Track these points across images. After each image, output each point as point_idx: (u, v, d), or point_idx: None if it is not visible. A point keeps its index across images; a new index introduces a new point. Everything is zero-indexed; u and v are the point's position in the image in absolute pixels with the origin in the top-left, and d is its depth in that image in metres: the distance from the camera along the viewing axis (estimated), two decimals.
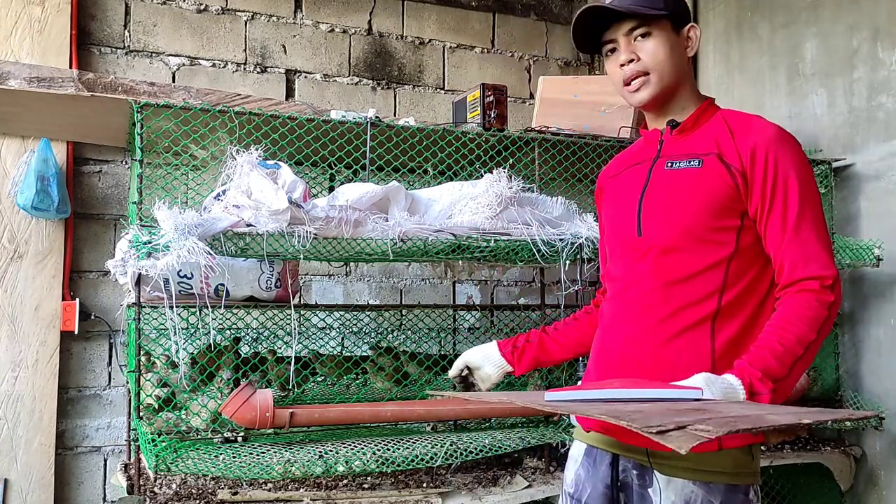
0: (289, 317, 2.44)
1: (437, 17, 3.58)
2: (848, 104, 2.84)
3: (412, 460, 2.05)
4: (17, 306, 2.75)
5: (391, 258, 2.11)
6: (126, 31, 3.04)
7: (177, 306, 1.97)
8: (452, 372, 1.71)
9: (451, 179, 2.71)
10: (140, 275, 1.88)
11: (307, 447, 2.07)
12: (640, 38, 1.44)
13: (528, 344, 1.68)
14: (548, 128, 2.49)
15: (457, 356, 1.75)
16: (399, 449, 2.09)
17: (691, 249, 1.39)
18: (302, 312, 2.60)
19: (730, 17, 3.36)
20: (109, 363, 2.92)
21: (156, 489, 2.14)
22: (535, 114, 2.67)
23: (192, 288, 2.19)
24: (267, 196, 1.92)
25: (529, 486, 2.26)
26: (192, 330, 2.28)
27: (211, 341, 2.22)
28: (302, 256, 2.05)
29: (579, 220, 2.27)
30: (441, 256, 2.19)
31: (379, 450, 2.06)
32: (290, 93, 3.29)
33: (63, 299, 2.80)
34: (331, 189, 2.54)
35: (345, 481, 2.23)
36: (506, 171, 2.20)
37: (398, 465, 2.03)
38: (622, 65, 1.46)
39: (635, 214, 1.47)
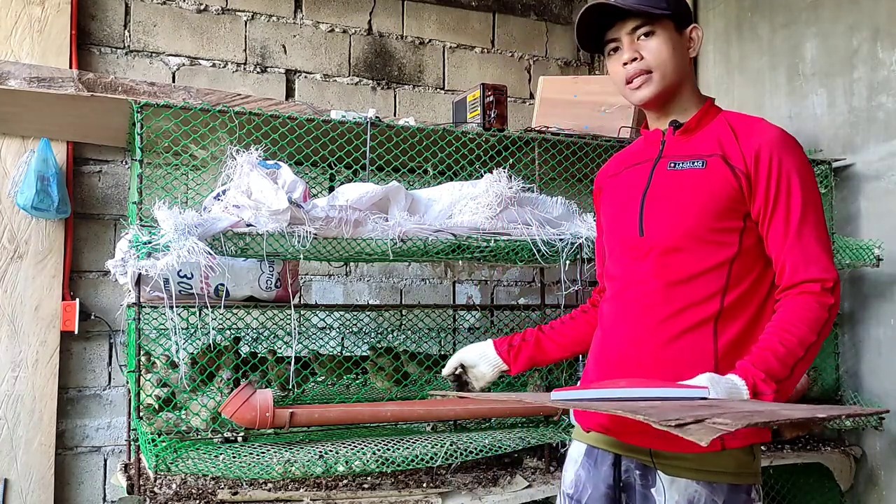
0: (289, 317, 2.44)
1: (437, 17, 3.58)
2: (848, 104, 2.84)
3: (412, 460, 2.05)
4: (17, 306, 2.75)
5: (391, 258, 2.11)
6: (126, 31, 3.04)
7: (177, 306, 1.97)
8: (446, 370, 1.69)
9: (451, 179, 2.71)
10: (140, 275, 1.88)
11: (307, 447, 2.07)
12: (643, 37, 1.44)
13: (525, 343, 1.66)
14: (548, 128, 2.49)
15: None
16: (399, 449, 2.09)
17: (694, 250, 1.39)
18: (302, 312, 2.60)
19: (730, 17, 3.36)
20: (109, 363, 2.92)
21: (156, 489, 2.14)
22: (535, 114, 2.67)
23: (192, 288, 2.19)
24: (267, 196, 1.92)
25: (529, 486, 2.26)
26: (192, 330, 2.28)
27: (211, 341, 2.22)
28: (302, 256, 2.05)
29: (579, 220, 2.27)
30: (441, 256, 2.19)
31: (379, 450, 2.06)
32: (290, 93, 3.29)
33: (63, 299, 2.80)
34: (331, 189, 2.54)
35: (345, 481, 2.23)
36: (506, 171, 2.20)
37: (398, 465, 2.03)
38: (625, 63, 1.46)
39: (637, 214, 1.46)
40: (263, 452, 2.01)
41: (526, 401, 1.28)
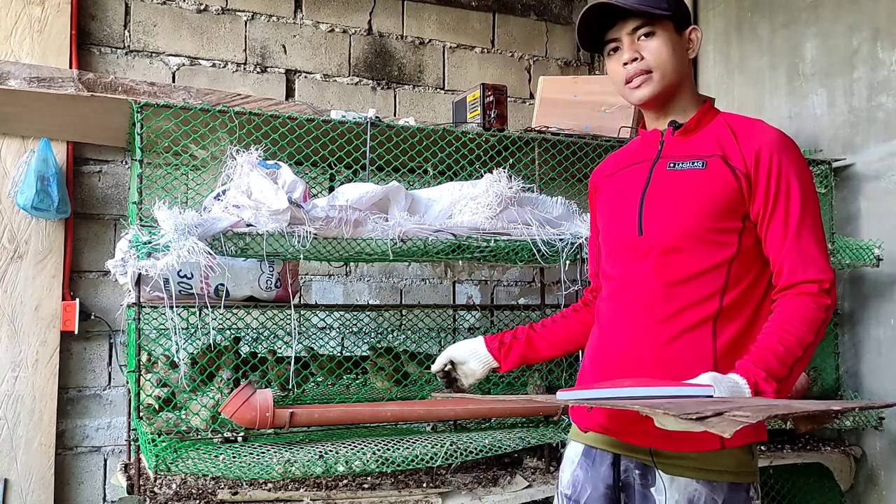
0: (289, 317, 2.44)
1: (437, 17, 3.58)
2: (848, 104, 2.84)
3: (412, 460, 2.05)
4: (17, 306, 2.75)
5: (391, 258, 2.11)
6: (126, 31, 3.04)
7: (177, 306, 1.97)
8: (436, 366, 1.68)
9: (451, 179, 2.71)
10: (140, 275, 1.88)
11: (307, 447, 2.07)
12: (643, 37, 1.45)
13: (516, 340, 1.66)
14: (548, 128, 2.49)
15: None
16: (399, 449, 2.09)
17: (693, 250, 1.40)
18: (302, 312, 2.60)
19: (730, 17, 3.36)
20: (109, 363, 2.92)
21: (156, 489, 2.14)
22: (535, 114, 2.67)
23: (192, 288, 2.19)
24: (267, 196, 1.92)
25: (529, 486, 2.26)
26: (192, 330, 2.28)
27: (211, 341, 2.22)
28: (302, 256, 2.05)
29: (579, 220, 2.27)
30: (441, 256, 2.19)
31: (379, 450, 2.06)
32: (290, 93, 3.29)
33: (63, 299, 2.80)
34: (331, 189, 2.54)
35: (345, 481, 2.23)
36: (506, 171, 2.20)
37: (398, 465, 2.03)
38: (625, 63, 1.46)
39: (636, 214, 1.47)
40: (263, 452, 2.01)
41: (537, 401, 1.29)
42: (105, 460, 2.90)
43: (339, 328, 2.69)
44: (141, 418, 2.00)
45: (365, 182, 2.17)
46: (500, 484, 2.28)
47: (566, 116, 2.57)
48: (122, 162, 2.99)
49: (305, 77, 3.32)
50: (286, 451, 2.02)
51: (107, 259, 2.09)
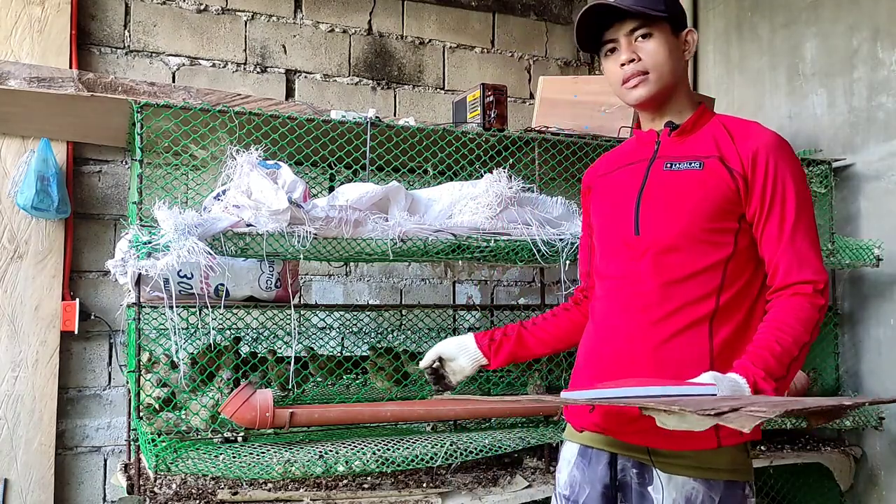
0: (289, 317, 2.44)
1: (437, 17, 3.58)
2: (848, 104, 2.84)
3: (412, 460, 2.05)
4: (17, 306, 2.75)
5: (391, 258, 2.11)
6: (126, 31, 3.04)
7: (177, 306, 1.97)
8: (424, 363, 1.67)
9: (451, 179, 2.70)
10: (140, 275, 1.88)
11: (307, 447, 2.07)
12: (640, 38, 1.46)
13: (506, 338, 1.65)
14: (548, 128, 2.49)
15: None
16: (399, 449, 2.09)
17: (690, 250, 1.41)
18: (302, 312, 2.60)
19: (730, 17, 3.36)
20: (109, 363, 2.92)
21: (156, 489, 2.14)
22: (535, 114, 2.67)
23: (192, 288, 2.19)
24: (267, 196, 1.92)
25: (529, 486, 2.26)
26: (192, 330, 2.28)
27: (211, 341, 2.22)
28: (302, 256, 2.05)
29: (579, 220, 2.27)
30: (441, 256, 2.19)
31: (379, 450, 2.06)
32: (290, 93, 3.29)
33: (63, 299, 2.80)
34: (331, 189, 2.54)
35: (345, 481, 2.23)
36: (506, 171, 2.20)
37: (398, 465, 2.03)
38: (622, 64, 1.47)
39: (632, 213, 1.47)
40: (263, 452, 2.01)
41: (545, 401, 1.30)
42: (105, 460, 2.90)
43: (339, 328, 2.69)
44: (141, 418, 2.00)
45: (365, 182, 2.17)
46: (500, 484, 2.28)
47: (566, 116, 2.57)
48: (122, 162, 2.99)
49: (305, 77, 3.32)
50: (286, 451, 2.02)
51: (107, 259, 2.09)
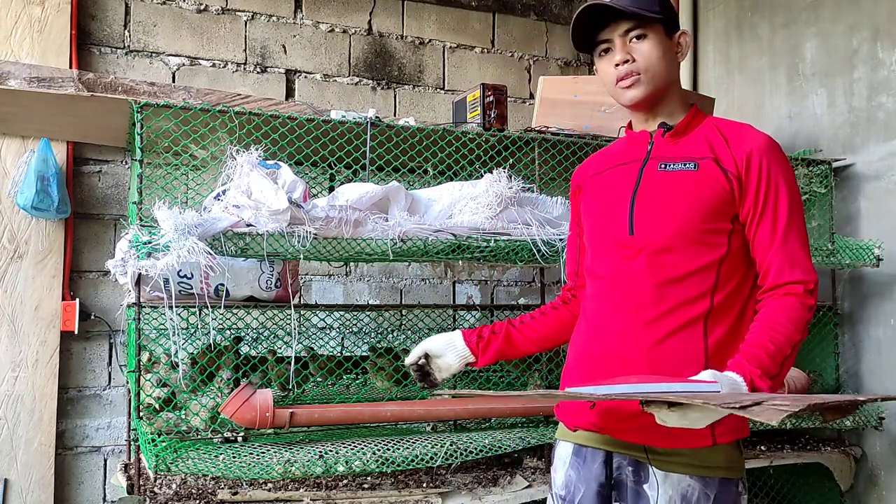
0: (289, 317, 2.44)
1: (437, 17, 3.58)
2: (848, 104, 2.84)
3: (412, 460, 2.05)
4: (17, 306, 2.75)
5: (391, 258, 2.11)
6: (126, 31, 3.04)
7: (177, 306, 1.97)
8: (410, 359, 1.65)
9: (451, 179, 2.70)
10: (140, 275, 1.88)
11: (307, 447, 2.07)
12: (635, 39, 1.47)
13: (494, 335, 1.65)
14: (548, 128, 2.49)
15: None
16: (399, 449, 2.09)
17: (685, 250, 1.43)
18: (302, 312, 2.60)
19: (730, 17, 3.36)
20: (109, 363, 2.92)
21: (156, 489, 2.14)
22: (535, 114, 2.66)
23: (192, 288, 2.19)
24: (267, 196, 1.92)
25: (529, 486, 2.26)
26: (192, 330, 2.28)
27: (211, 341, 2.22)
28: (302, 256, 2.05)
29: None
30: (441, 256, 2.19)
31: (379, 450, 2.06)
32: (290, 93, 3.29)
33: (63, 299, 2.80)
34: (331, 189, 2.54)
35: (345, 481, 2.23)
36: (506, 171, 2.20)
37: (398, 465, 2.03)
38: (617, 64, 1.49)
39: (626, 213, 1.48)
40: (263, 452, 2.01)
41: (556, 395, 1.31)
42: (105, 460, 2.90)
43: (339, 328, 2.69)
44: (141, 418, 2.00)
45: (365, 182, 2.17)
46: (500, 484, 2.28)
47: (566, 116, 2.57)
48: (122, 162, 2.99)
49: (305, 77, 3.32)
50: (286, 451, 2.02)
51: (107, 259, 2.09)
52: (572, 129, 2.52)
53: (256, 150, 1.98)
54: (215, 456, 1.95)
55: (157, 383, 2.05)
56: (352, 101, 3.37)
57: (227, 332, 2.42)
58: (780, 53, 3.11)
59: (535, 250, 2.16)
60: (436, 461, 2.08)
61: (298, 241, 1.95)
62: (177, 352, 2.05)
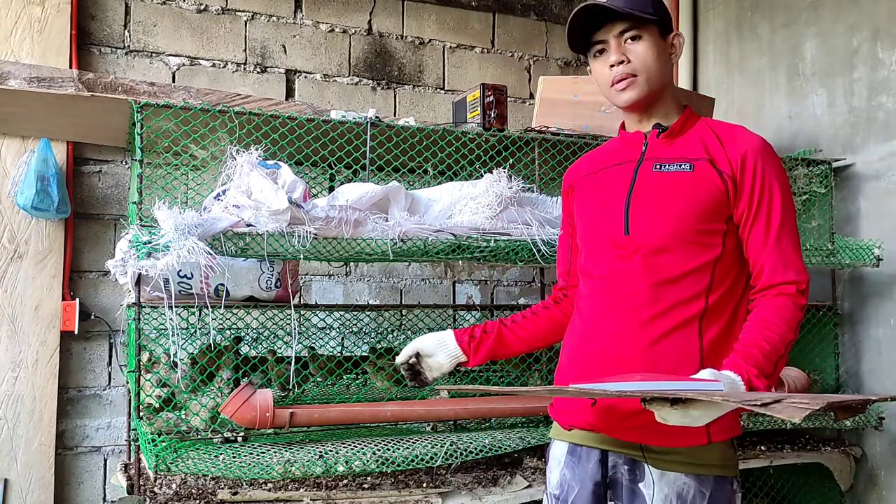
0: (289, 317, 2.44)
1: (437, 17, 3.58)
2: (848, 104, 2.84)
3: (412, 460, 2.05)
4: (17, 306, 2.75)
5: (391, 258, 2.11)
6: (126, 31, 3.04)
7: (177, 306, 1.97)
8: (400, 358, 1.64)
9: (451, 179, 2.70)
10: (140, 275, 1.88)
11: (307, 447, 2.07)
12: (630, 40, 1.48)
13: (486, 335, 1.64)
14: (548, 128, 2.49)
15: None
16: (399, 449, 2.09)
17: (681, 250, 1.43)
18: (302, 312, 2.60)
19: (730, 17, 3.36)
20: (109, 363, 2.92)
21: (156, 489, 2.14)
22: (535, 114, 2.66)
23: (192, 288, 2.19)
24: (267, 196, 1.92)
25: (529, 486, 2.26)
26: (192, 330, 2.28)
27: (211, 341, 2.22)
28: (302, 256, 2.05)
29: None
30: (441, 256, 2.19)
31: (379, 450, 2.06)
32: (290, 93, 3.29)
33: (63, 299, 2.80)
34: (331, 189, 2.54)
35: (345, 481, 2.23)
36: (506, 171, 2.20)
37: (398, 465, 2.03)
38: (612, 65, 1.49)
39: (622, 213, 1.49)
40: (263, 452, 2.01)
41: (568, 392, 1.32)
42: (105, 460, 2.90)
43: (339, 328, 2.68)
44: (141, 418, 2.00)
45: (365, 182, 2.17)
46: (500, 484, 2.28)
47: (566, 116, 2.57)
48: (122, 162, 2.99)
49: (305, 77, 3.32)
50: (286, 451, 2.02)
51: (107, 259, 2.09)
52: (572, 129, 2.52)
53: (256, 150, 1.98)
54: (215, 456, 1.95)
55: (157, 383, 2.05)
56: (352, 101, 3.37)
57: (227, 332, 2.42)
58: (780, 53, 3.11)
59: (535, 250, 2.16)
60: (436, 461, 2.08)
61: (298, 241, 1.95)
62: (175, 352, 2.05)
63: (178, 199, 2.07)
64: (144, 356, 2.07)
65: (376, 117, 2.26)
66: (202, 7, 3.15)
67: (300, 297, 2.97)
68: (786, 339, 1.35)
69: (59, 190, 2.68)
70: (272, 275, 2.33)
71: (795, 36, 3.04)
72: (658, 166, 1.49)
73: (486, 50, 3.67)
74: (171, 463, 1.89)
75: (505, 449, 2.19)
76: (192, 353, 2.23)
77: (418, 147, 2.38)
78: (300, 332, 2.53)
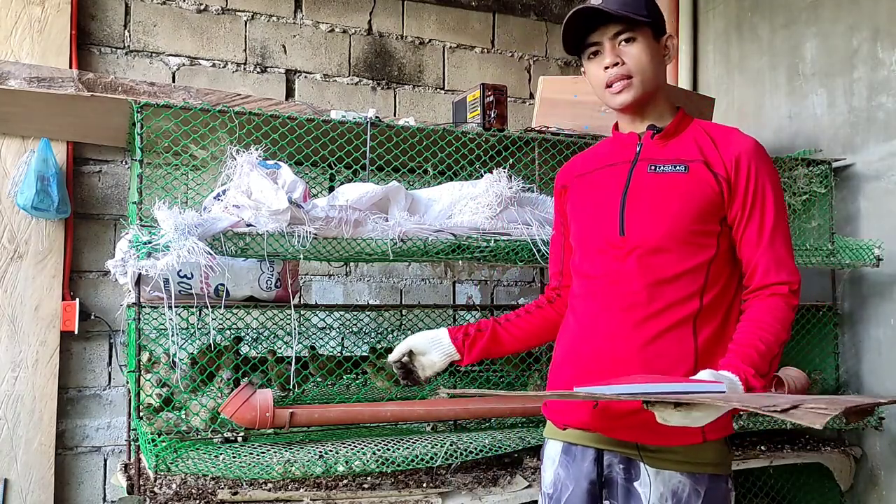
0: (289, 317, 2.44)
1: (437, 17, 3.58)
2: (848, 104, 2.84)
3: (412, 460, 2.05)
4: (17, 306, 2.75)
5: (391, 258, 2.11)
6: (126, 31, 3.04)
7: (177, 306, 1.97)
8: (393, 356, 1.63)
9: (451, 179, 2.70)
10: (140, 275, 1.88)
11: (307, 447, 2.07)
12: (624, 42, 1.49)
13: (480, 333, 1.64)
14: (548, 128, 2.49)
15: None
16: (399, 449, 2.09)
17: (676, 251, 1.44)
18: (302, 312, 2.60)
19: (730, 17, 3.36)
20: (109, 363, 2.92)
21: (156, 489, 2.14)
22: (535, 114, 2.66)
23: (192, 288, 2.19)
24: (267, 196, 1.92)
25: (529, 486, 2.26)
26: (192, 330, 2.28)
27: (211, 341, 2.22)
28: (302, 256, 2.05)
29: None
30: (441, 256, 2.19)
31: (379, 450, 2.06)
32: (290, 93, 3.29)
33: (63, 299, 2.80)
34: (331, 189, 2.54)
35: (345, 481, 2.23)
36: (506, 171, 2.20)
37: (398, 465, 2.03)
38: (606, 67, 1.50)
39: (617, 214, 1.49)
40: (263, 452, 2.01)
41: (569, 395, 1.31)
42: (105, 460, 2.90)
43: (339, 328, 2.68)
44: (141, 418, 2.00)
45: (365, 182, 2.17)
46: (500, 484, 2.28)
47: (566, 116, 2.57)
48: (122, 162, 2.99)
49: (305, 77, 3.32)
50: (286, 451, 2.02)
51: (107, 259, 2.09)
52: (572, 129, 2.52)
53: (256, 150, 1.98)
54: (215, 456, 1.95)
55: (156, 383, 2.05)
56: (352, 101, 3.37)
57: (227, 332, 2.42)
58: (780, 53, 3.11)
59: (535, 250, 2.16)
60: (436, 461, 2.08)
61: (298, 241, 1.95)
62: (175, 353, 2.05)
63: (178, 199, 2.07)
64: (144, 356, 2.07)
65: (376, 117, 2.26)
66: (202, 7, 3.15)
67: (300, 297, 2.97)
68: (780, 339, 1.37)
69: (59, 190, 2.68)
70: (272, 275, 2.33)
71: (795, 36, 3.04)
72: (653, 167, 1.50)
73: (486, 50, 3.67)
74: (171, 463, 1.89)
75: (505, 449, 2.19)
76: (191, 353, 2.23)
77: (418, 147, 2.38)
78: (300, 332, 2.53)
